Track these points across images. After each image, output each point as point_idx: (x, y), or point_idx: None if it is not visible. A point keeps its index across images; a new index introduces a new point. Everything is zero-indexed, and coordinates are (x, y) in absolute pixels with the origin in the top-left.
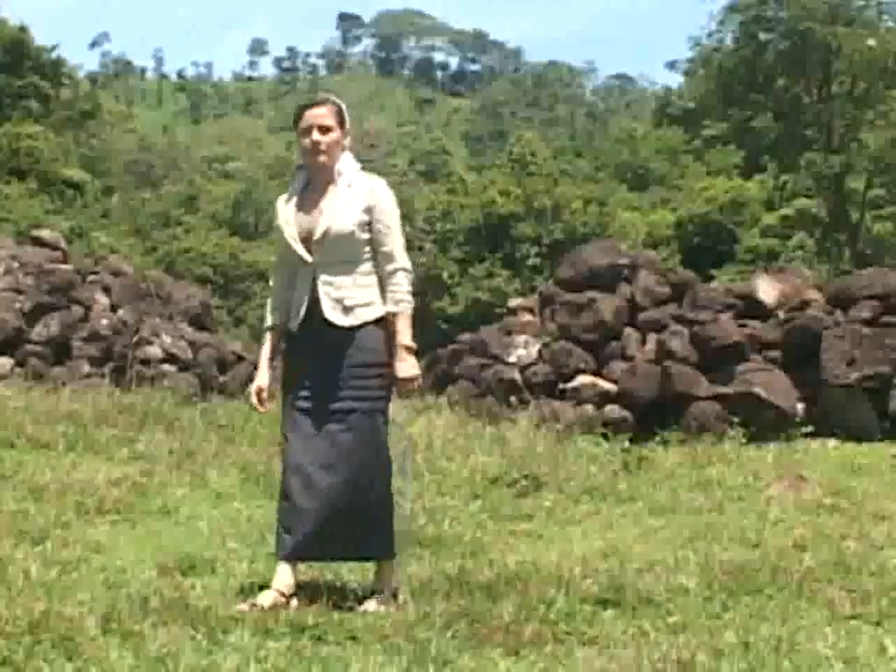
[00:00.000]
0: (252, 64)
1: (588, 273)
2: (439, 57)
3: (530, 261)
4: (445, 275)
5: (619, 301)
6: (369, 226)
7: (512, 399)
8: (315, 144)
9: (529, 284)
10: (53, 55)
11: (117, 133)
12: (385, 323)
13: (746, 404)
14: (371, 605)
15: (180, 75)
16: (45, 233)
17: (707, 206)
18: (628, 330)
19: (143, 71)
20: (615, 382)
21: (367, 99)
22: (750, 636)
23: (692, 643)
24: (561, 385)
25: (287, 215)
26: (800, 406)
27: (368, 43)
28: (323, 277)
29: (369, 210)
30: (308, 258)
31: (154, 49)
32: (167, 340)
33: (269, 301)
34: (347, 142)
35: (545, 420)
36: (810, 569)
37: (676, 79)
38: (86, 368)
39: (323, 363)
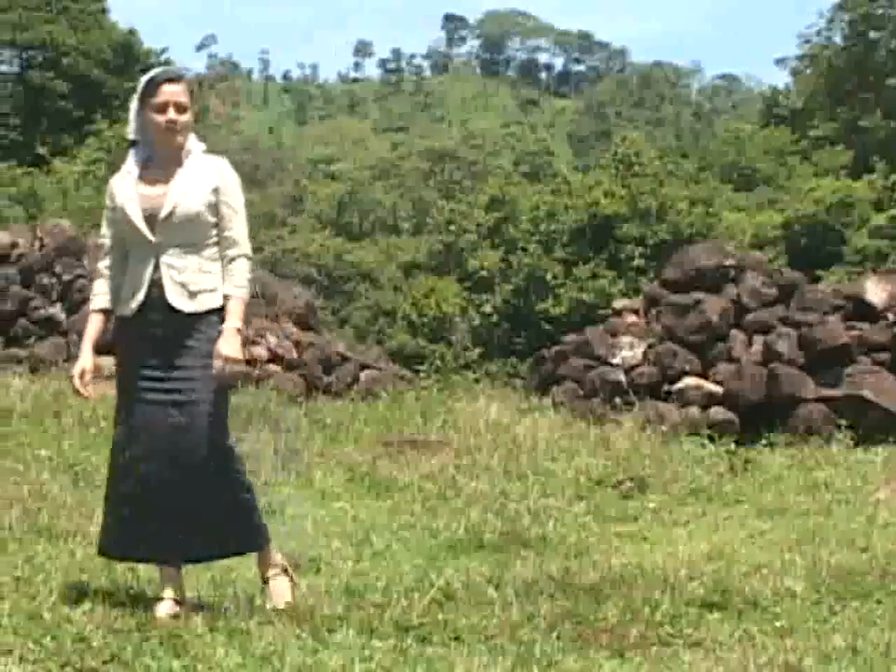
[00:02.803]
0: (357, 66)
1: (694, 274)
2: (543, 57)
3: (635, 262)
4: (549, 276)
5: (725, 302)
6: (216, 208)
7: (617, 400)
8: (172, 123)
9: (634, 285)
10: (162, 58)
11: (223, 134)
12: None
13: (854, 406)
14: (276, 591)
15: (286, 76)
16: None
17: (814, 207)
18: (734, 332)
19: (249, 73)
20: (721, 383)
21: (471, 100)
22: (859, 640)
23: (799, 647)
24: (666, 387)
25: (128, 193)
26: None
27: (473, 44)
28: (166, 260)
29: (216, 191)
30: (151, 238)
31: (260, 51)
32: (272, 340)
33: (97, 282)
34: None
35: (650, 421)
36: None
37: (783, 79)
38: None
39: (162, 349)
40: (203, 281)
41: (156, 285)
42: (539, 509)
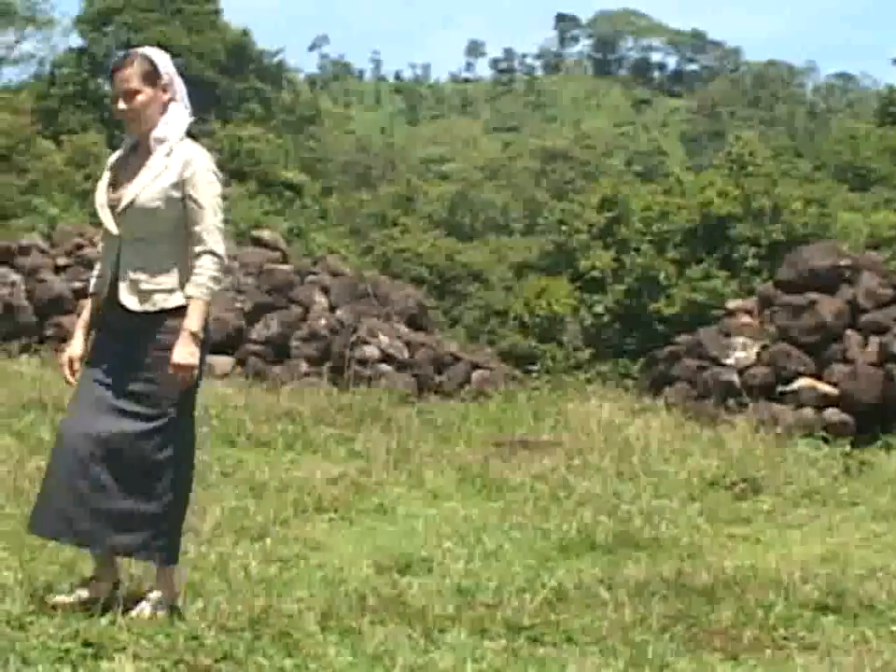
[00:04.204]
0: (469, 66)
1: (808, 275)
2: (656, 57)
3: (748, 263)
4: (662, 276)
5: (840, 302)
6: (182, 202)
7: (730, 401)
8: (121, 113)
9: (747, 285)
10: (275, 59)
11: (335, 134)
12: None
13: None
14: (142, 609)
15: (397, 76)
16: (265, 234)
17: None
18: (849, 333)
19: (361, 73)
20: (835, 385)
21: (583, 99)
22: None
23: None
24: (780, 388)
25: (102, 181)
26: None
27: (585, 43)
28: (125, 254)
29: (180, 185)
30: (114, 229)
31: (372, 52)
32: (384, 340)
33: (96, 265)
34: (176, 92)
35: (763, 423)
36: None
37: None
38: (304, 367)
39: (121, 344)
40: (159, 280)
41: (115, 279)
42: (652, 510)
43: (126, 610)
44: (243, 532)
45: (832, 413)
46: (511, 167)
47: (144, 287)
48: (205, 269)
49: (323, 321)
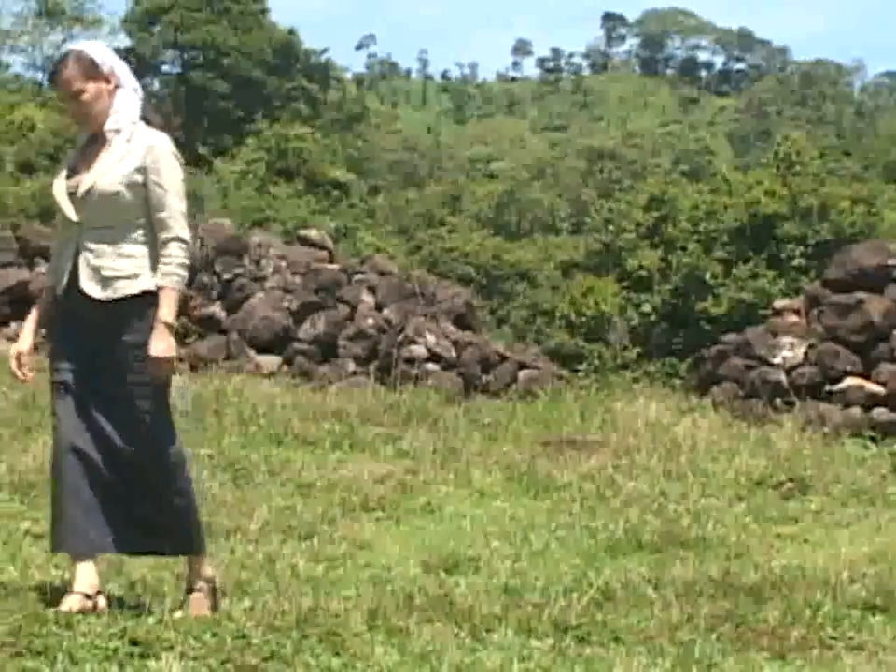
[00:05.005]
0: (516, 65)
1: (856, 274)
2: (703, 56)
3: (795, 262)
4: (708, 276)
5: (888, 302)
6: (144, 187)
7: (778, 400)
8: (73, 115)
9: (794, 285)
10: (322, 58)
11: (382, 133)
12: (155, 298)
13: None
14: (191, 603)
15: (444, 76)
16: (312, 233)
17: None
18: None
19: (408, 72)
20: (883, 384)
21: (630, 99)
22: None
23: None
24: (828, 387)
25: (62, 168)
26: None
27: (632, 42)
28: (85, 242)
29: (143, 170)
30: (74, 216)
31: (419, 51)
32: (431, 339)
33: (51, 259)
34: (119, 78)
35: (811, 422)
36: None
37: None
38: (351, 366)
39: (87, 337)
40: (122, 266)
41: (76, 268)
42: (699, 509)
43: (173, 609)
44: (290, 531)
45: (879, 413)
46: (558, 166)
47: (105, 273)
48: (174, 256)
49: (370, 320)
